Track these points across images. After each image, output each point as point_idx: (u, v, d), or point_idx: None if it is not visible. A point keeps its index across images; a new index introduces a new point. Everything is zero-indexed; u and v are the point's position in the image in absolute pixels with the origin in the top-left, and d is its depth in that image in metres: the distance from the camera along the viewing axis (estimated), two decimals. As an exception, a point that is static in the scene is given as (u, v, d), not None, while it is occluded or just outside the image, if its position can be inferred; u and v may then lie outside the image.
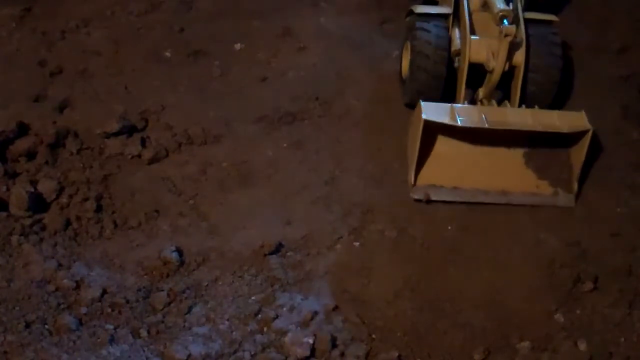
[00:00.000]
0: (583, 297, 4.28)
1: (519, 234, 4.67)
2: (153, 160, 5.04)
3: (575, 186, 4.79)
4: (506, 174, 4.80)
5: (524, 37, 4.92)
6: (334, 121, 5.49)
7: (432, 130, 4.68)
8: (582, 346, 3.97)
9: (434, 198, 4.76)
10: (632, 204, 4.86)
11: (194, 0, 6.54)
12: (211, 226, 4.68)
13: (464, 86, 5.01)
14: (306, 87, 5.75)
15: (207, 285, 4.29)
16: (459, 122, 4.58)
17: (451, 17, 5.22)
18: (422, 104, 4.66)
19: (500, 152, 4.81)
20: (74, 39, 6.04)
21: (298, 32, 6.25)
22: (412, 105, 4.95)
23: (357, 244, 4.64)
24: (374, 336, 4.10)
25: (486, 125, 4.60)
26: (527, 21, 5.08)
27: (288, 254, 4.54)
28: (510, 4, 4.94)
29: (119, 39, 6.06)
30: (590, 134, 4.63)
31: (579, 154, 4.74)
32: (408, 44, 5.31)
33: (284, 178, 5.05)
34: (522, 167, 4.83)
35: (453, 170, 4.79)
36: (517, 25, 4.89)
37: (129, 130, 5.14)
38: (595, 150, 5.09)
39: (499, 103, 5.01)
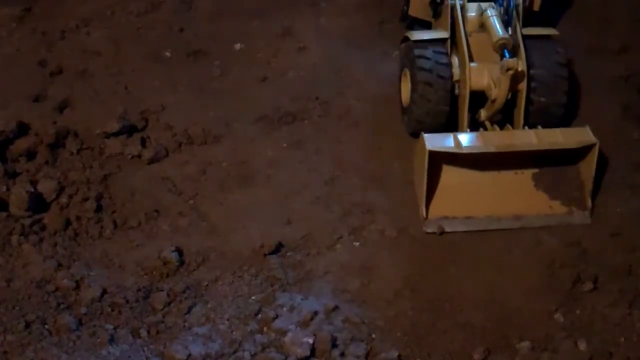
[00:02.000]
0: (583, 297, 4.27)
1: (519, 234, 4.66)
2: (153, 160, 5.05)
3: (589, 202, 4.72)
4: (518, 197, 4.73)
5: (525, 66, 4.78)
6: (334, 121, 5.48)
7: (438, 160, 4.61)
8: (582, 346, 3.96)
9: (448, 230, 4.65)
10: (632, 204, 4.85)
11: (194, 0, 6.54)
12: (211, 226, 4.69)
13: (466, 114, 4.90)
14: (306, 87, 5.74)
15: (207, 285, 4.29)
16: (463, 150, 4.53)
17: (449, 42, 5.06)
18: (425, 135, 4.58)
19: (509, 176, 4.75)
20: (74, 39, 6.05)
21: (298, 32, 6.25)
22: (415, 135, 4.89)
23: (357, 244, 4.64)
24: (373, 336, 4.10)
25: (491, 150, 4.55)
26: (527, 37, 4.94)
27: (288, 254, 4.54)
28: (509, 28, 4.80)
29: (119, 39, 6.06)
30: (597, 147, 4.57)
31: (588, 169, 4.68)
32: (407, 73, 5.13)
33: (283, 178, 5.04)
34: (533, 189, 4.75)
35: (464, 199, 4.70)
36: (518, 51, 4.78)
37: (129, 130, 5.15)
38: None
39: (501, 126, 4.92)
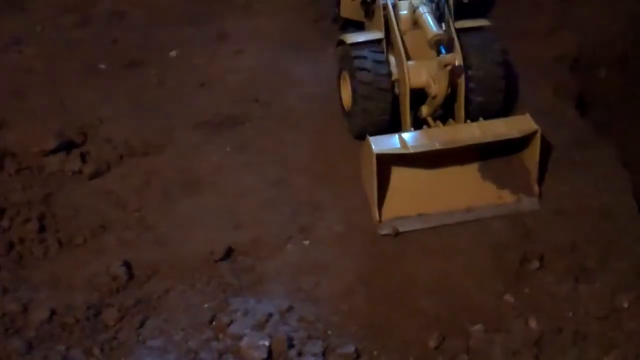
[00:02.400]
0: (530, 276, 4.34)
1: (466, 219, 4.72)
2: (95, 175, 4.98)
3: (536, 188, 4.78)
4: (467, 190, 4.76)
5: (462, 60, 4.79)
6: (276, 122, 5.48)
7: (386, 162, 4.61)
8: (533, 324, 4.03)
9: (402, 230, 4.65)
10: (572, 181, 4.93)
11: (126, 10, 6.48)
12: (159, 237, 4.63)
13: (408, 113, 4.89)
14: (245, 89, 5.74)
15: (158, 297, 4.25)
16: (410, 149, 4.54)
17: (384, 42, 5.01)
18: (370, 138, 4.57)
19: (456, 170, 4.78)
20: (6, 58, 5.95)
21: (233, 36, 6.24)
22: (360, 137, 4.87)
23: (307, 242, 4.64)
24: (330, 332, 4.10)
25: (437, 146, 4.55)
26: (461, 30, 4.95)
27: (239, 258, 4.51)
28: (443, 23, 4.79)
29: (52, 55, 5.98)
30: (539, 134, 4.63)
31: (532, 156, 4.74)
32: (346, 76, 5.10)
33: (229, 183, 5.02)
34: (481, 180, 4.79)
35: (415, 197, 4.71)
36: (453, 45, 4.81)
37: (67, 147, 5.06)
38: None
39: (443, 120, 4.96)
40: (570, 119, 5.40)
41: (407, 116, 4.93)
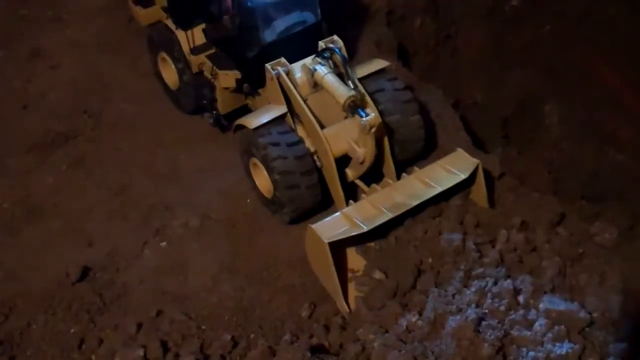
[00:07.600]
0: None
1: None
2: None
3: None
4: None
5: (378, 113, 4.35)
6: (109, 130, 5.34)
7: (339, 247, 4.10)
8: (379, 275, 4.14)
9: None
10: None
11: None
12: (8, 272, 4.42)
13: (339, 187, 4.45)
14: (71, 103, 5.53)
15: (21, 333, 4.08)
16: (364, 227, 4.03)
17: (289, 115, 4.55)
18: (314, 227, 4.04)
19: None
20: None
21: (48, 51, 5.98)
22: (294, 221, 4.54)
23: (164, 243, 4.59)
24: (204, 327, 4.10)
25: (390, 216, 4.08)
26: (363, 79, 4.56)
27: (97, 275, 4.39)
28: (349, 81, 4.34)
29: None
30: (480, 169, 4.32)
31: (478, 190, 4.45)
32: (257, 163, 4.52)
33: (72, 201, 4.85)
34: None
35: None
36: (366, 101, 4.39)
37: None
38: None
39: (371, 179, 4.55)
40: (394, 69, 5.52)
41: (339, 190, 4.47)
